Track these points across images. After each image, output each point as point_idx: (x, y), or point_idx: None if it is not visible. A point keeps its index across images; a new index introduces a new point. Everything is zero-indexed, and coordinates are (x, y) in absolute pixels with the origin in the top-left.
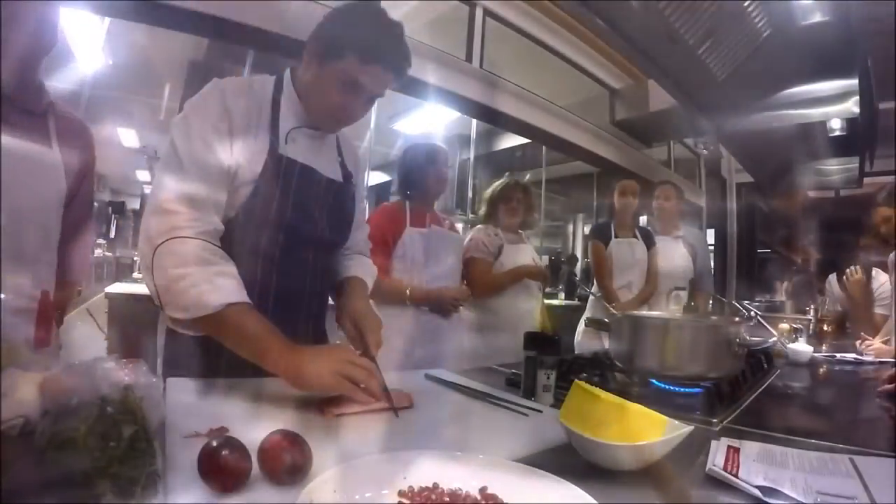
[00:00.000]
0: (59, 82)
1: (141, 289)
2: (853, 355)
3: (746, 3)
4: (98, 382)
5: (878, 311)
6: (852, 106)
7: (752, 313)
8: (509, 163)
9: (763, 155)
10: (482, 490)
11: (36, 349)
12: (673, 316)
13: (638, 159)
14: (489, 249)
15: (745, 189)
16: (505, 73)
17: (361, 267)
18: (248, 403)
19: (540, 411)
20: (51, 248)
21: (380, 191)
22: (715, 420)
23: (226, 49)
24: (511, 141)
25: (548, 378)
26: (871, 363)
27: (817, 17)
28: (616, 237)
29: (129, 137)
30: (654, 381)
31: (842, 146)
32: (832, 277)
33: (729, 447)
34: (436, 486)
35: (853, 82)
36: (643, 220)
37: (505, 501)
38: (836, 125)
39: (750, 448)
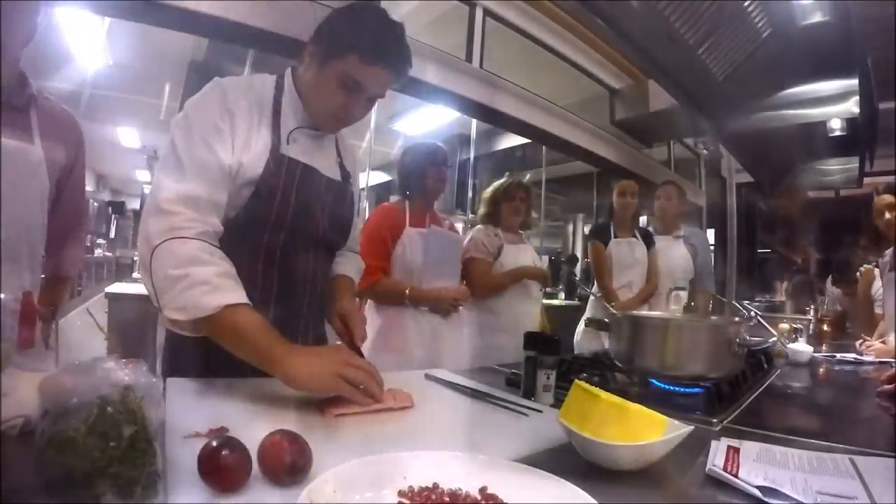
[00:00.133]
0: (60, 82)
1: (141, 289)
2: (853, 355)
3: (746, 3)
4: (98, 382)
5: (877, 311)
6: (852, 106)
7: (752, 313)
8: (509, 163)
9: (763, 155)
10: (482, 490)
11: (20, 350)
12: (673, 316)
13: (638, 159)
14: (489, 249)
15: (745, 189)
16: (505, 73)
17: (349, 264)
18: (248, 403)
19: (540, 411)
20: (34, 248)
21: (380, 191)
22: (715, 420)
23: (226, 49)
24: (511, 141)
25: (548, 378)
26: (871, 363)
27: (817, 17)
28: (616, 237)
29: (129, 137)
30: (654, 381)
31: (842, 146)
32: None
33: (729, 447)
34: (436, 486)
35: (853, 82)
36: (643, 220)
37: (505, 501)
38: (836, 125)
39: (750, 448)
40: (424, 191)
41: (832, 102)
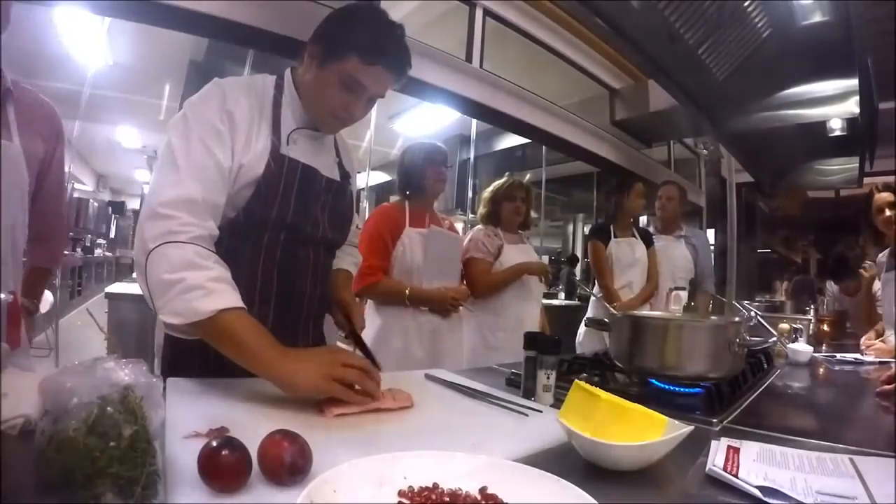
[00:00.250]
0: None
1: None
2: (853, 355)
3: (746, 3)
4: (98, 382)
5: (879, 310)
6: (852, 106)
7: (752, 313)
8: (509, 163)
9: (763, 155)
10: (482, 490)
11: (11, 350)
12: (673, 316)
13: (638, 159)
14: (489, 249)
15: (745, 189)
16: (505, 73)
17: (347, 256)
18: (248, 403)
19: (540, 411)
20: (17, 245)
21: (380, 191)
22: (715, 420)
23: (226, 49)
24: (511, 141)
25: (548, 378)
26: (871, 363)
27: (817, 17)
28: (616, 237)
29: (129, 137)
30: (654, 381)
31: (842, 146)
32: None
33: (729, 447)
34: (436, 486)
35: (853, 82)
36: (643, 219)
37: (505, 501)
38: (836, 125)
39: (750, 448)
40: (424, 191)
41: (832, 102)
